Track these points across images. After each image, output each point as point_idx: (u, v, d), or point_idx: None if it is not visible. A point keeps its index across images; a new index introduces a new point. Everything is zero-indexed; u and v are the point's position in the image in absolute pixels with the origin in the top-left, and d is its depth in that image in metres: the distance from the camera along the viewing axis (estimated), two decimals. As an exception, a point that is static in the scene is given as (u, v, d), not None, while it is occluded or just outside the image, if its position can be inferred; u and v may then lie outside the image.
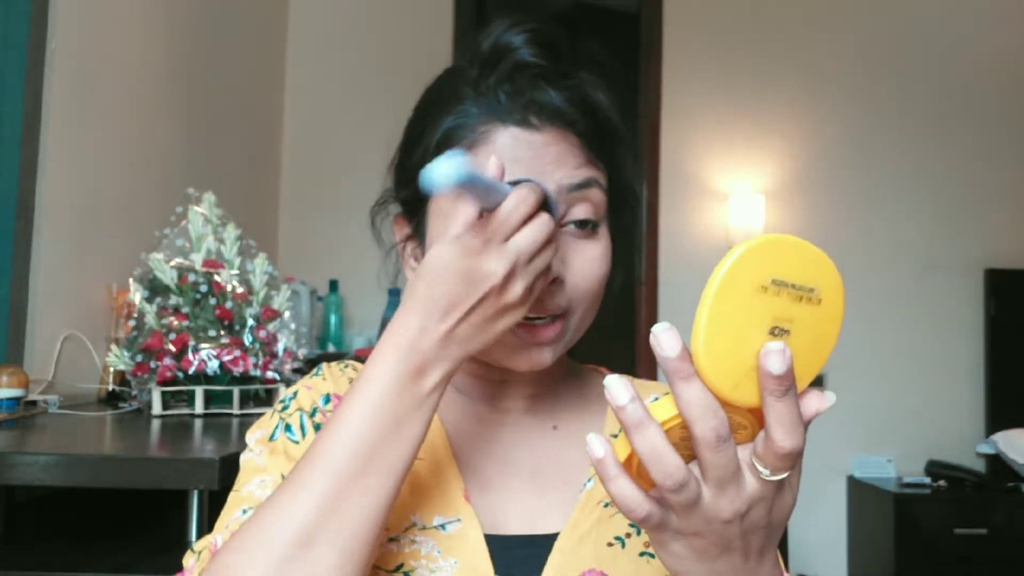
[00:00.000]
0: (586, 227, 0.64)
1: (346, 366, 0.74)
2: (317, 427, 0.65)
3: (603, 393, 0.75)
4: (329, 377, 0.72)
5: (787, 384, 0.44)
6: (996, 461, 3.08)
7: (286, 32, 3.36)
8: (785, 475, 0.47)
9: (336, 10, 3.39)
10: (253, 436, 0.68)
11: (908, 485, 2.99)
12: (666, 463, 0.45)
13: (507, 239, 0.55)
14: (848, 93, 3.38)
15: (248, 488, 0.63)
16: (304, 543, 0.52)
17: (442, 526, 0.63)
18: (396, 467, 0.55)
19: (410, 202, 0.70)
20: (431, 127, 0.66)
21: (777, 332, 0.45)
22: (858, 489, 3.12)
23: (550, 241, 0.57)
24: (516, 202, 0.55)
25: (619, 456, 0.48)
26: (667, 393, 0.48)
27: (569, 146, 0.64)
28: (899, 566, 2.82)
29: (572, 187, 0.63)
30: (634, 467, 0.48)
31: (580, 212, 0.64)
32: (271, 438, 0.66)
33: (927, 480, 3.02)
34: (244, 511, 0.61)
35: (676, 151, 3.35)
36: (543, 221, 0.56)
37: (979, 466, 3.16)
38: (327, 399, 0.69)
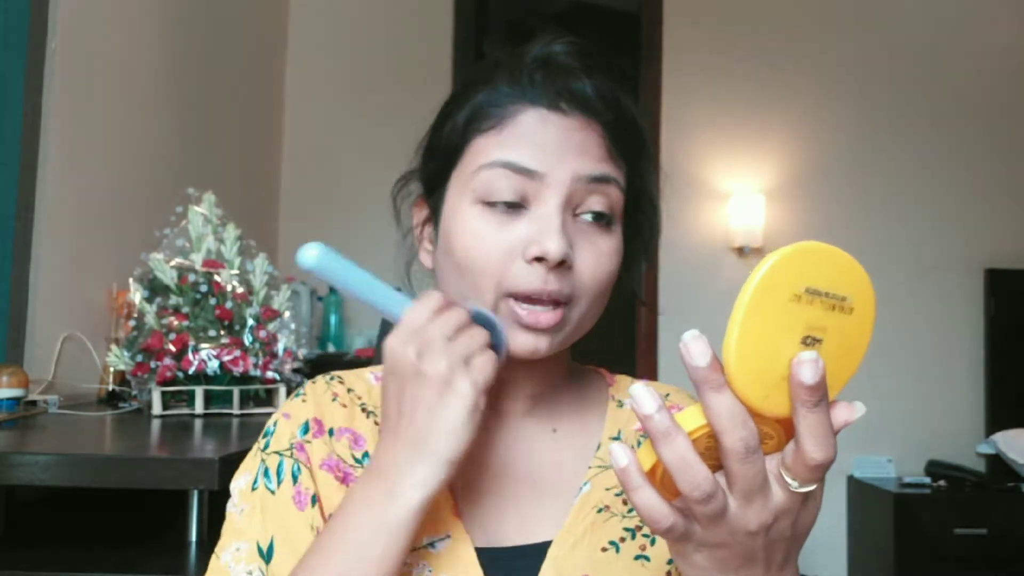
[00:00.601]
0: (601, 220, 0.64)
1: (331, 379, 0.72)
2: (294, 469, 0.65)
3: (603, 395, 0.75)
4: (311, 398, 0.70)
5: (819, 395, 0.44)
6: (996, 461, 3.07)
7: (286, 32, 3.37)
8: (814, 487, 0.47)
9: (336, 11, 3.39)
10: (236, 484, 0.66)
11: (908, 485, 2.99)
12: (694, 474, 0.45)
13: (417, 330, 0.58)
14: (848, 93, 3.38)
15: (226, 556, 0.62)
16: None
17: (431, 544, 0.63)
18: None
19: (432, 180, 0.70)
20: (462, 105, 0.67)
21: (809, 341, 0.44)
22: (858, 489, 3.12)
23: (471, 327, 0.59)
24: (421, 301, 0.59)
25: (643, 465, 0.47)
26: (691, 401, 0.47)
27: (594, 135, 0.64)
28: (899, 566, 2.82)
29: (591, 178, 0.63)
30: (658, 477, 0.48)
31: (596, 204, 0.63)
32: (253, 486, 0.65)
33: (927, 480, 3.02)
34: None
35: (676, 151, 3.35)
36: (454, 311, 0.59)
37: (979, 466, 3.16)
38: (305, 429, 0.67)
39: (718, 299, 3.32)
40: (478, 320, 0.60)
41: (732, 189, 3.35)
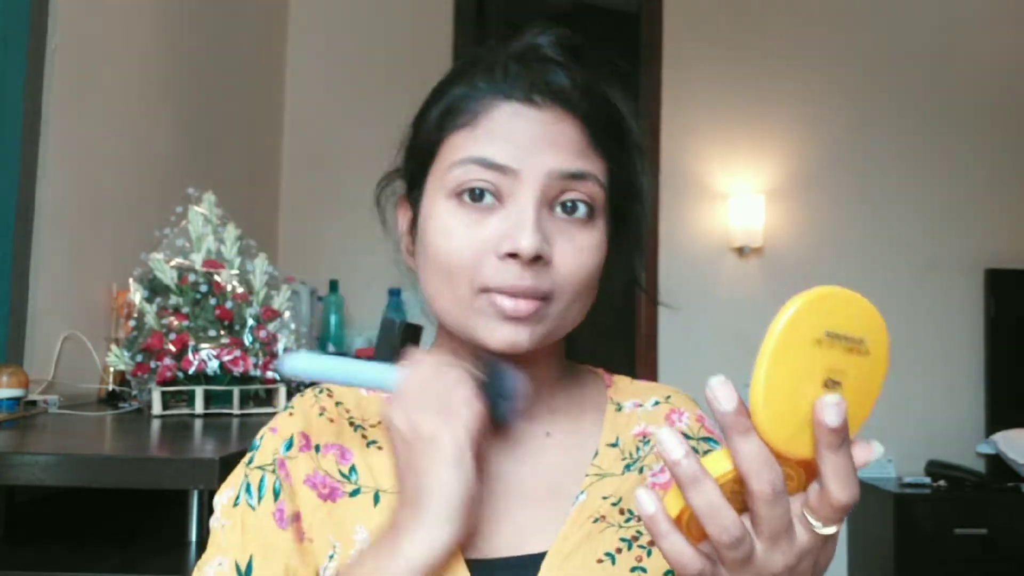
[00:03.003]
0: (579, 215, 0.62)
1: (320, 391, 0.71)
2: (276, 485, 0.65)
3: (600, 397, 0.74)
4: (299, 411, 0.69)
5: (843, 436, 0.44)
6: (996, 461, 3.08)
7: (286, 32, 3.37)
8: (837, 528, 0.47)
9: (336, 10, 3.39)
10: (219, 499, 0.66)
11: (908, 485, 2.99)
12: (723, 519, 0.45)
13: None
14: (848, 93, 3.38)
15: (208, 571, 0.62)
16: None
17: None
18: None
19: (411, 179, 0.69)
20: (438, 101, 0.66)
21: (830, 384, 0.45)
22: (858, 489, 3.12)
23: (456, 382, 0.60)
24: (408, 369, 0.61)
25: (670, 511, 0.48)
26: (709, 445, 0.48)
27: (570, 130, 0.62)
28: (899, 566, 2.82)
29: (566, 174, 0.62)
30: (683, 521, 0.48)
31: (574, 199, 0.62)
32: (236, 502, 0.65)
33: (927, 480, 3.02)
34: None
35: (676, 151, 3.35)
36: (441, 370, 0.60)
37: (979, 466, 3.17)
38: (288, 444, 0.67)
39: (718, 299, 3.33)
40: (489, 369, 0.61)
41: (732, 189, 3.35)
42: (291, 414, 0.69)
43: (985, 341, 3.26)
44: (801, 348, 0.44)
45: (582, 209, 0.62)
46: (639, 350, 3.32)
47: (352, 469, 0.66)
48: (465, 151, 0.62)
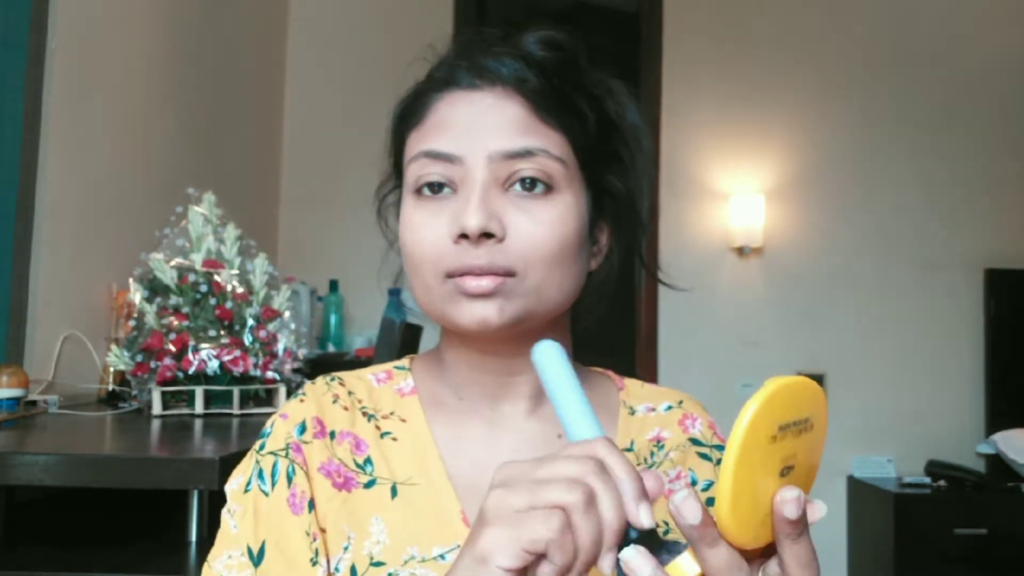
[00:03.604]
0: (533, 189, 0.62)
1: (332, 380, 0.71)
2: (289, 471, 0.64)
3: (613, 400, 0.74)
4: (311, 397, 0.69)
5: (803, 525, 0.45)
6: (996, 461, 3.07)
7: (286, 32, 3.37)
8: None
9: (336, 9, 3.39)
10: (231, 486, 0.66)
11: (908, 485, 2.99)
12: None
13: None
14: (848, 93, 3.38)
15: (218, 565, 0.62)
16: None
17: (442, 556, 0.62)
18: None
19: (395, 184, 0.72)
20: (395, 108, 0.69)
21: (785, 472, 0.46)
22: (858, 489, 3.12)
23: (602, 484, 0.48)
24: (599, 443, 0.50)
25: None
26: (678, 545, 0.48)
27: (514, 108, 0.62)
28: (899, 566, 2.82)
29: (510, 154, 0.61)
30: None
31: (525, 174, 0.62)
32: (247, 487, 0.64)
33: (927, 480, 3.02)
34: None
35: (676, 151, 3.35)
36: (612, 465, 0.49)
37: (979, 466, 3.16)
38: (302, 429, 0.66)
39: (718, 299, 3.32)
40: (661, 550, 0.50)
41: (732, 189, 3.35)
42: (302, 400, 0.69)
43: (985, 341, 3.25)
44: (759, 450, 0.45)
45: (538, 185, 0.62)
46: (639, 350, 3.32)
47: (368, 460, 0.66)
48: (416, 147, 0.65)
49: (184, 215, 1.57)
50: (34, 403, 1.50)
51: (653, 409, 0.74)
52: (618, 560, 0.46)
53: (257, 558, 0.61)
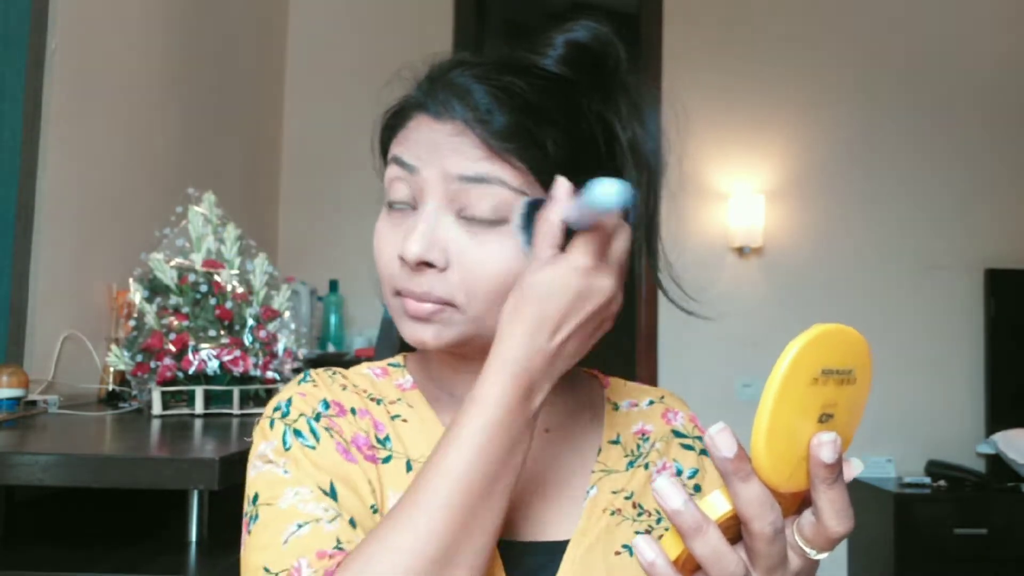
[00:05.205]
0: (484, 221, 0.61)
1: (334, 373, 0.71)
2: (327, 431, 0.63)
3: (598, 398, 0.75)
4: (321, 383, 0.68)
5: (838, 471, 0.46)
6: (996, 461, 3.07)
7: (286, 32, 3.37)
8: (829, 552, 0.48)
9: (336, 10, 3.39)
10: (262, 450, 0.63)
11: (908, 485, 2.99)
12: (726, 563, 0.47)
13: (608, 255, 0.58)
14: (848, 93, 3.38)
15: (286, 502, 0.59)
16: (444, 563, 0.52)
17: None
18: (511, 485, 0.56)
19: None
20: (383, 117, 0.70)
21: (824, 419, 0.46)
22: (858, 489, 3.12)
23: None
24: (618, 225, 0.59)
25: (669, 555, 0.48)
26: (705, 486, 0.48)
27: (472, 139, 0.62)
28: (899, 566, 2.82)
29: (465, 177, 0.61)
30: (681, 562, 0.49)
31: (479, 203, 0.61)
32: (286, 446, 0.62)
33: (927, 480, 3.02)
34: (299, 526, 0.57)
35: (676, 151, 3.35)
36: (627, 233, 0.60)
37: (979, 466, 3.17)
38: (326, 404, 0.66)
39: (718, 299, 3.32)
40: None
41: (732, 189, 3.35)
42: (315, 384, 0.68)
43: (985, 341, 3.26)
44: (800, 390, 0.45)
45: (487, 213, 0.61)
46: (639, 350, 3.32)
47: (387, 437, 0.67)
48: (391, 152, 0.67)
49: (184, 215, 1.57)
50: (34, 403, 1.50)
51: (636, 404, 0.76)
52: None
53: (331, 493, 0.59)
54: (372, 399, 0.69)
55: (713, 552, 0.46)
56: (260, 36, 3.15)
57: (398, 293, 0.64)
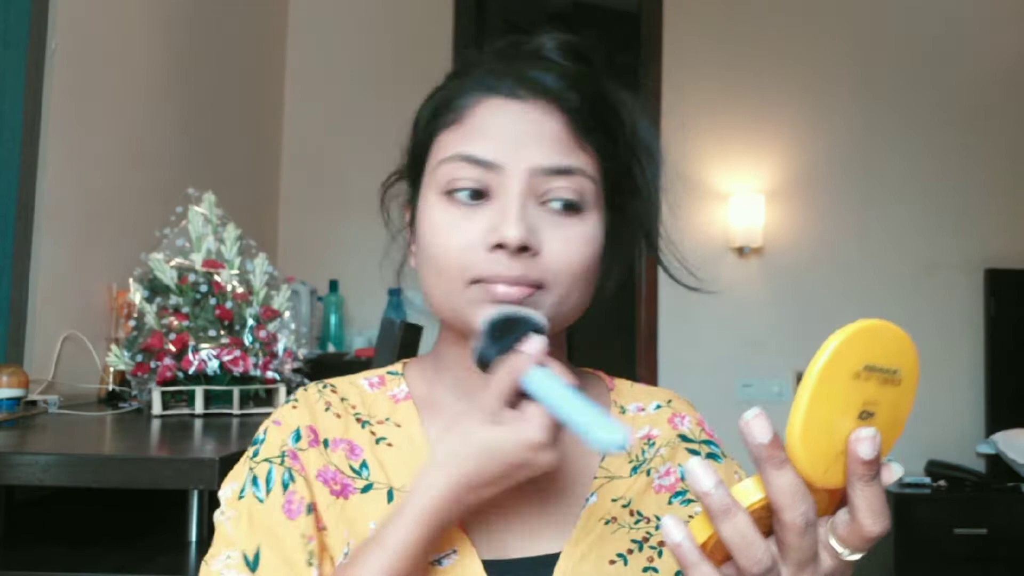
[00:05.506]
0: (568, 208, 0.63)
1: (324, 387, 0.71)
2: (285, 477, 0.64)
3: (604, 400, 0.74)
4: (303, 405, 0.69)
5: (876, 469, 0.45)
6: (996, 461, 3.07)
7: (286, 32, 3.37)
8: (862, 555, 0.47)
9: (336, 10, 3.39)
10: (224, 493, 0.65)
11: (908, 485, 2.98)
12: (755, 549, 0.46)
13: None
14: (848, 93, 3.38)
15: (217, 564, 0.61)
16: None
17: (438, 561, 0.61)
18: None
19: (410, 179, 0.71)
20: (430, 101, 0.68)
21: (864, 416, 0.45)
22: (858, 489, 3.12)
23: None
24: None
25: (697, 538, 0.48)
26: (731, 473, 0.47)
27: (555, 124, 0.63)
28: (899, 566, 2.82)
29: (550, 170, 0.62)
30: (708, 547, 0.48)
31: (561, 192, 0.63)
32: (241, 494, 0.64)
33: (927, 480, 3.02)
34: None
35: (676, 151, 3.35)
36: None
37: (979, 466, 3.16)
38: (297, 436, 0.66)
39: (718, 299, 3.32)
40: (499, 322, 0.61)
41: (732, 189, 3.35)
42: (295, 407, 0.68)
43: (985, 341, 3.25)
44: (840, 382, 0.44)
45: (570, 204, 0.63)
46: (639, 350, 3.32)
47: (363, 465, 0.66)
48: (452, 148, 0.64)
49: (184, 215, 1.57)
50: (34, 403, 1.50)
51: (643, 409, 0.75)
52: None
53: (253, 564, 0.60)
54: (358, 419, 0.69)
55: (742, 537, 0.45)
56: (260, 36, 3.15)
57: (476, 281, 0.62)
